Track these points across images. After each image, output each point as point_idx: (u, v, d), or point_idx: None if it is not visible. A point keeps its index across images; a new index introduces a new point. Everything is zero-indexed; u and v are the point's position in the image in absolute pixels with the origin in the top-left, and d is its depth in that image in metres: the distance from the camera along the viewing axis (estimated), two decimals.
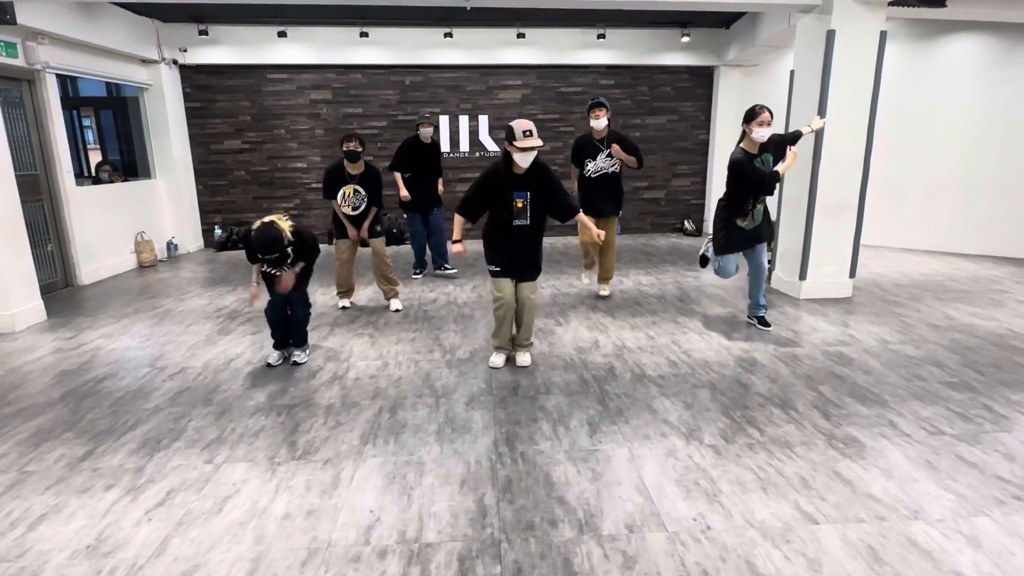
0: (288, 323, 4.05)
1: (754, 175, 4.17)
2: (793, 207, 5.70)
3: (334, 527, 2.34)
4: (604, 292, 5.67)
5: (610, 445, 2.95)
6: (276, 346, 4.12)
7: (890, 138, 7.58)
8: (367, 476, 2.70)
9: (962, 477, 2.65)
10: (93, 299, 5.92)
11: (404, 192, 6.12)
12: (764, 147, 4.25)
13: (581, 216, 3.84)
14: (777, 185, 4.24)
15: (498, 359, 4.00)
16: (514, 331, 4.04)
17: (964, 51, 7.31)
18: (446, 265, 6.63)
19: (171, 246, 8.10)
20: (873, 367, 3.94)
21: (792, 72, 5.70)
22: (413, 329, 4.82)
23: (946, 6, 5.40)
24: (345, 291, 5.37)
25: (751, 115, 4.15)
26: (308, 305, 4.17)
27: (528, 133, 3.48)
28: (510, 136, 3.51)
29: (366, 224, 5.08)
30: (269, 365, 4.05)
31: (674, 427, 3.13)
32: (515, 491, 2.57)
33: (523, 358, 4.02)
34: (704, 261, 4.80)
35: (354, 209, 4.99)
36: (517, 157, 3.52)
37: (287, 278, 3.81)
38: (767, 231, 4.51)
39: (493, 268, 3.83)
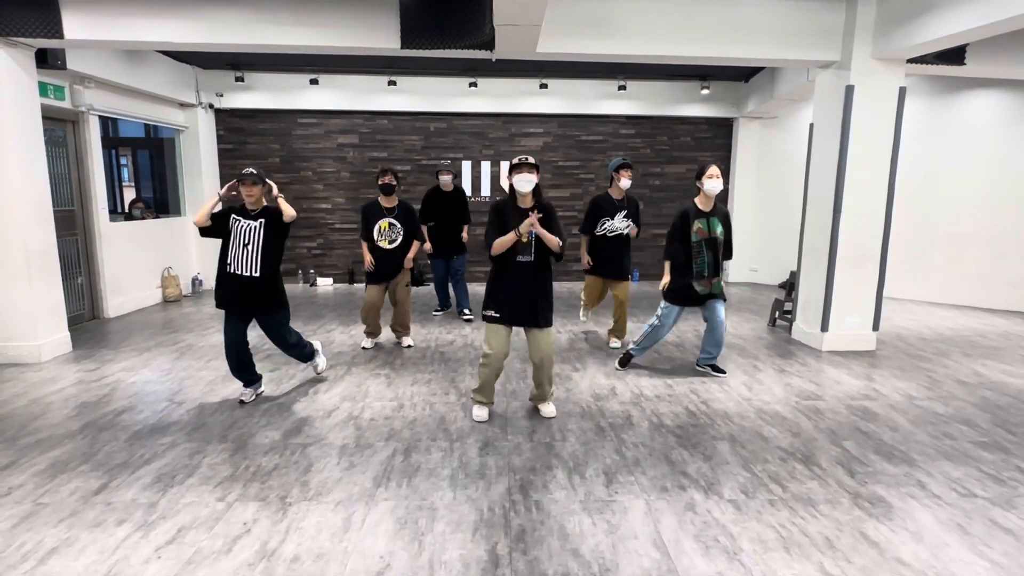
0: (245, 353, 3.99)
1: (677, 231, 4.44)
2: (814, 258, 5.67)
3: (343, 572, 2.30)
4: (615, 344, 5.57)
5: (627, 496, 2.88)
6: (245, 384, 4.10)
7: (913, 191, 7.58)
8: (378, 520, 2.66)
9: (997, 543, 2.53)
10: (118, 332, 6.03)
11: (427, 245, 6.31)
12: (716, 211, 4.46)
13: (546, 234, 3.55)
14: (697, 248, 4.41)
15: (481, 412, 3.82)
16: (533, 389, 3.98)
17: (985, 107, 7.34)
18: (467, 311, 6.71)
19: (196, 282, 8.27)
20: (899, 423, 3.83)
21: (811, 125, 5.77)
22: (429, 371, 4.82)
23: (965, 63, 5.47)
24: (372, 331, 5.37)
25: (700, 171, 4.41)
26: (295, 344, 4.20)
27: (524, 158, 3.58)
28: (510, 167, 3.62)
29: (409, 255, 5.11)
30: (241, 402, 4.05)
31: (693, 480, 3.05)
32: (528, 541, 2.51)
33: (547, 409, 3.92)
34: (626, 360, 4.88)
35: (391, 243, 5.02)
36: (515, 180, 3.57)
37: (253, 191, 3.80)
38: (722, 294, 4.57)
39: (490, 314, 3.66)
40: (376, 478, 3.03)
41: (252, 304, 3.91)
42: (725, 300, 4.57)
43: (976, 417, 3.95)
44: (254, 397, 4.13)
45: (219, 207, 3.87)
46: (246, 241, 3.82)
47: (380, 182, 5.01)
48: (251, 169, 3.83)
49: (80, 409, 3.96)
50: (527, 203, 3.65)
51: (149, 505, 2.77)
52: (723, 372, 4.75)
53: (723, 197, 9.42)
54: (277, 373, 4.67)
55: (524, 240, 3.53)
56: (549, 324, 3.70)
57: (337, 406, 4.03)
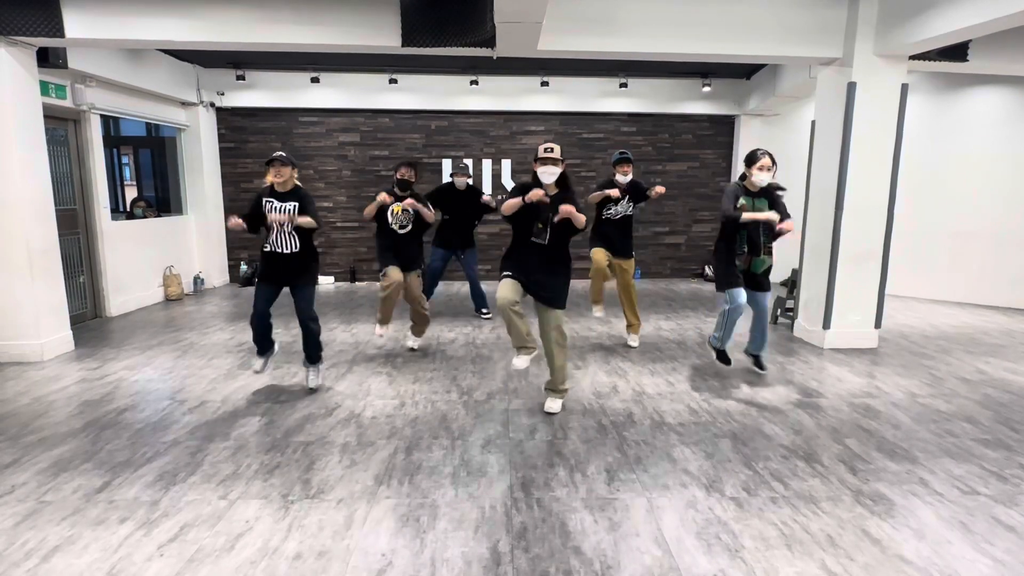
0: (268, 328, 4.22)
1: (724, 203, 4.22)
2: (816, 255, 5.66)
3: (345, 569, 2.30)
4: (633, 343, 5.54)
5: (628, 494, 2.88)
6: (259, 352, 4.31)
7: (916, 188, 7.55)
8: (380, 518, 2.66)
9: (999, 541, 2.52)
10: (120, 331, 6.04)
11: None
12: (764, 192, 4.27)
13: (571, 212, 3.52)
14: (740, 225, 4.19)
15: (520, 361, 3.79)
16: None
17: (988, 104, 7.31)
18: (484, 310, 6.65)
19: (197, 280, 8.27)
20: (902, 421, 3.82)
21: (813, 123, 5.75)
22: (431, 369, 4.82)
23: (968, 60, 5.45)
24: (385, 319, 5.11)
25: (751, 159, 4.22)
26: (316, 318, 4.23)
27: (549, 149, 3.63)
28: (535, 155, 3.69)
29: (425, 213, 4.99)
30: (256, 372, 4.33)
31: (694, 477, 3.05)
32: (530, 539, 2.51)
33: (552, 404, 3.91)
34: (722, 356, 4.60)
35: (401, 228, 4.96)
36: (539, 171, 3.64)
37: (282, 216, 3.97)
38: (766, 282, 4.41)
39: (505, 273, 3.74)
40: (378, 476, 3.04)
41: (289, 274, 4.10)
42: (768, 288, 4.41)
43: (978, 414, 3.94)
44: (264, 366, 4.34)
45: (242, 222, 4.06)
46: (282, 222, 4.01)
47: (398, 176, 4.98)
48: (280, 152, 4.02)
49: (82, 407, 3.96)
50: (552, 191, 3.71)
51: (151, 503, 2.78)
52: (764, 369, 4.61)
53: None
54: (279, 372, 4.67)
55: (531, 201, 3.53)
56: (559, 307, 3.76)
57: (339, 404, 4.03)
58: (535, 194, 3.51)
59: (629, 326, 5.58)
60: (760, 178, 4.17)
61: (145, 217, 7.66)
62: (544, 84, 8.32)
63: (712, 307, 7.31)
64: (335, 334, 5.90)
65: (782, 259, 8.45)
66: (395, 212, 4.96)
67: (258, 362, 4.30)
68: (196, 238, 8.37)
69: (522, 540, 2.50)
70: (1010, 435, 3.62)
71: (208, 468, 3.12)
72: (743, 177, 4.30)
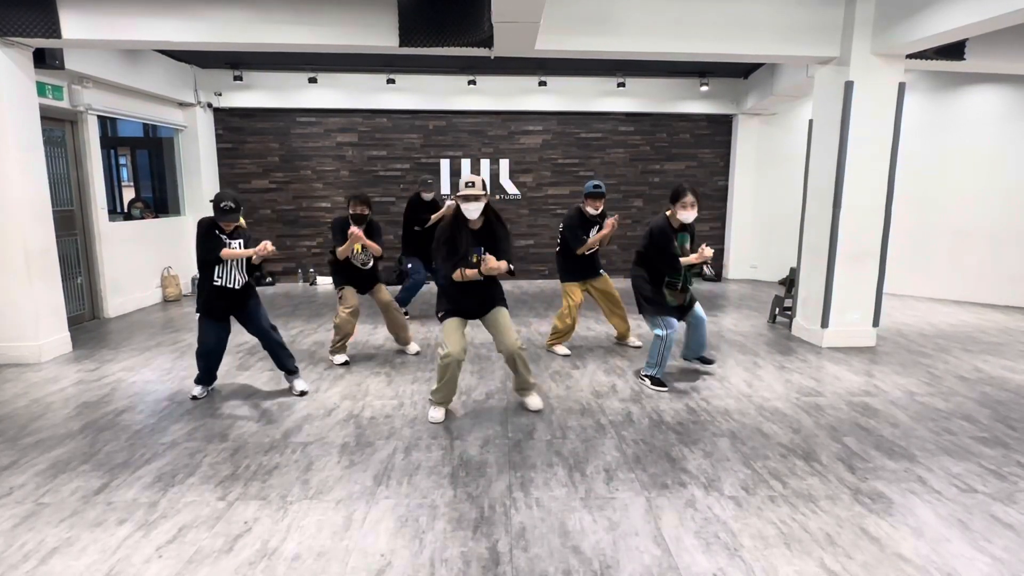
0: (218, 357, 4.15)
1: (669, 249, 4.15)
2: (814, 254, 5.66)
3: (344, 570, 2.30)
4: (639, 343, 5.52)
5: (627, 493, 2.88)
6: (199, 381, 4.19)
7: (914, 187, 7.57)
8: (379, 518, 2.66)
9: (997, 539, 2.53)
10: (118, 332, 6.03)
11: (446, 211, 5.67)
12: (685, 227, 4.28)
13: (495, 263, 3.56)
14: (678, 269, 4.19)
15: (437, 413, 3.77)
16: (514, 377, 3.96)
17: (985, 102, 7.33)
18: None
19: (195, 281, 8.24)
20: (900, 419, 3.83)
21: (811, 121, 5.76)
22: (429, 369, 4.82)
23: (965, 59, 5.46)
24: (343, 343, 4.95)
25: (676, 196, 4.17)
26: (274, 326, 4.22)
27: (470, 184, 3.55)
28: (458, 194, 3.62)
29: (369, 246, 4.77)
30: (194, 397, 4.14)
31: (693, 476, 3.05)
32: (529, 538, 2.51)
33: (533, 401, 3.93)
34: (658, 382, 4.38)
35: (363, 265, 4.86)
36: (463, 207, 3.58)
37: (236, 252, 3.92)
38: (693, 298, 4.45)
39: (444, 311, 3.74)
40: (377, 476, 3.04)
41: (235, 305, 4.07)
42: (696, 298, 4.47)
43: (976, 413, 3.95)
44: (204, 393, 4.21)
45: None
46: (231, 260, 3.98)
47: (352, 212, 4.75)
48: (229, 204, 3.85)
49: (81, 409, 3.96)
50: (477, 225, 3.66)
51: (150, 504, 2.78)
52: (712, 361, 4.56)
53: (722, 195, 9.43)
54: (278, 373, 4.66)
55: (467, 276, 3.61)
56: (505, 304, 3.80)
57: (337, 405, 4.03)
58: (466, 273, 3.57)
59: (623, 335, 5.53)
60: (685, 216, 4.15)
61: (143, 218, 7.64)
62: (542, 84, 8.31)
63: (707, 305, 7.30)
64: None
65: (781, 258, 8.50)
66: (355, 251, 4.81)
67: (198, 389, 4.17)
68: (194, 239, 8.34)
69: (521, 540, 2.50)
70: (1008, 433, 3.62)
71: (207, 469, 3.12)
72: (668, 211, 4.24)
